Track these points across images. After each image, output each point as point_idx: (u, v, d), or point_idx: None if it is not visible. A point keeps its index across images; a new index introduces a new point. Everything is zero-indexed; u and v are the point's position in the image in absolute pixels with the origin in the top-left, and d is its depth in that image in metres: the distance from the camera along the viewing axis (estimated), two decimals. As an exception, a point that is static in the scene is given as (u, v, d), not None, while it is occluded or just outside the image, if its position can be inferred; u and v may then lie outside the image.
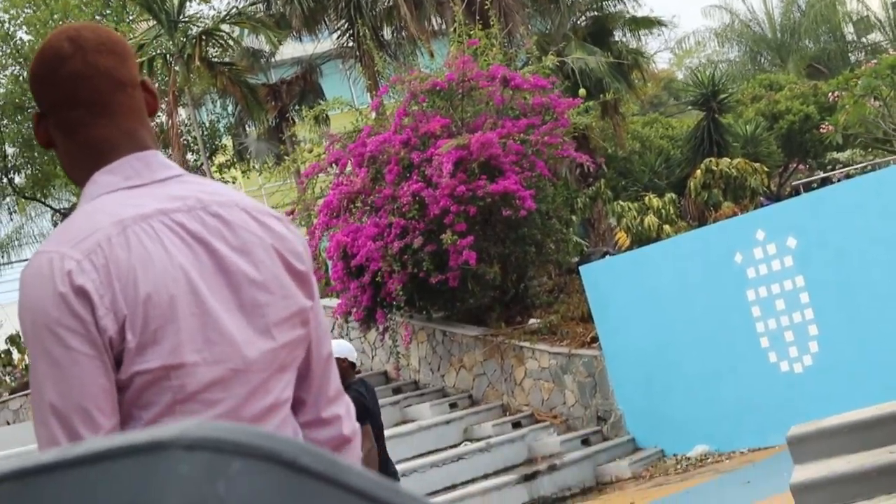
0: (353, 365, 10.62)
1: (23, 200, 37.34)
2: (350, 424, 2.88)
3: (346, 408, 2.87)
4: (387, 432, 18.21)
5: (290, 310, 2.68)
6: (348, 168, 20.27)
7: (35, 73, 2.72)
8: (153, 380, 2.50)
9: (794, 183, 34.99)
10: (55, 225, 40.07)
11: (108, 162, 2.65)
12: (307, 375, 2.79)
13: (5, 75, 35.00)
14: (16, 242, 40.49)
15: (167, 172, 2.68)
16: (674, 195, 26.32)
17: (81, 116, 2.66)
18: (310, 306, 2.73)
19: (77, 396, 2.45)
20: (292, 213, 21.73)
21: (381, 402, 19.62)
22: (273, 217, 2.74)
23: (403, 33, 29.36)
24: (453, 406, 19.36)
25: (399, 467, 16.73)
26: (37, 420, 2.50)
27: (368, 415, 10.22)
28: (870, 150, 35.50)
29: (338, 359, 10.49)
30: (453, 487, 16.43)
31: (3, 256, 39.25)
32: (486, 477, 16.80)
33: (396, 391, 20.56)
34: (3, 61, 34.92)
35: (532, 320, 19.44)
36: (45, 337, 2.46)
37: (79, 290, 2.46)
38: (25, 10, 34.74)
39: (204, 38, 30.04)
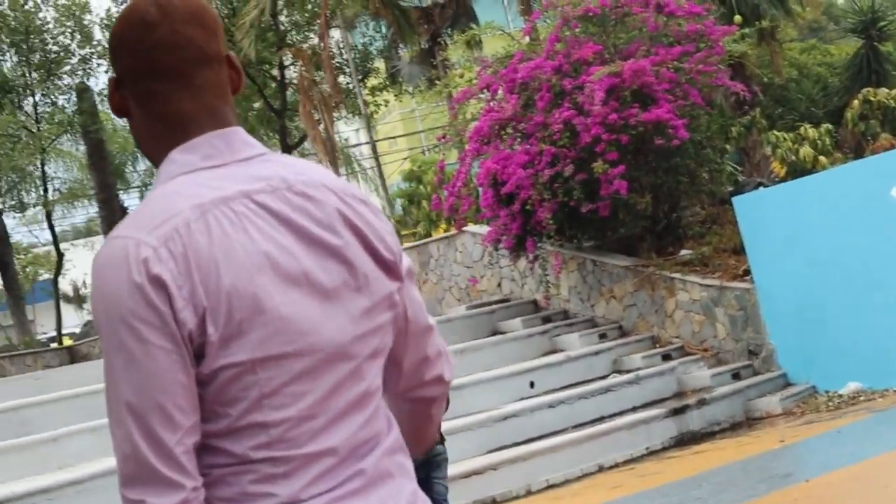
0: None
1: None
2: (449, 368, 2.85)
3: (443, 357, 2.83)
4: (535, 362, 18.29)
5: (379, 294, 2.56)
6: (499, 94, 20.12)
7: (117, 37, 2.58)
8: (238, 374, 2.38)
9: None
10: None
11: (187, 139, 2.52)
12: (404, 352, 2.71)
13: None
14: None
15: (249, 151, 2.56)
16: (830, 126, 25.76)
17: (163, 89, 2.53)
18: (397, 288, 2.61)
19: (154, 393, 2.33)
20: (443, 137, 21.71)
21: (529, 331, 19.67)
22: (360, 201, 2.61)
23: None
24: (602, 337, 19.23)
25: (547, 398, 16.75)
26: (112, 418, 2.38)
27: None
28: None
29: None
30: (601, 420, 16.35)
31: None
32: (633, 410, 16.68)
33: (546, 320, 20.48)
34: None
35: (683, 251, 19.19)
36: (119, 330, 2.34)
37: (155, 280, 2.34)
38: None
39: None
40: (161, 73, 2.52)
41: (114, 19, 35.46)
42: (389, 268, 2.60)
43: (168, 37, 2.51)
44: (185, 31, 2.52)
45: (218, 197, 2.43)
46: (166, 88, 2.52)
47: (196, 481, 2.36)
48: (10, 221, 37.98)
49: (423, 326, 2.75)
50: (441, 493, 10.11)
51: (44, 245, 48.48)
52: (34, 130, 35.88)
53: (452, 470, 14.51)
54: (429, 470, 10.06)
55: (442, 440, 10.12)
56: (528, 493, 14.52)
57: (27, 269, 47.96)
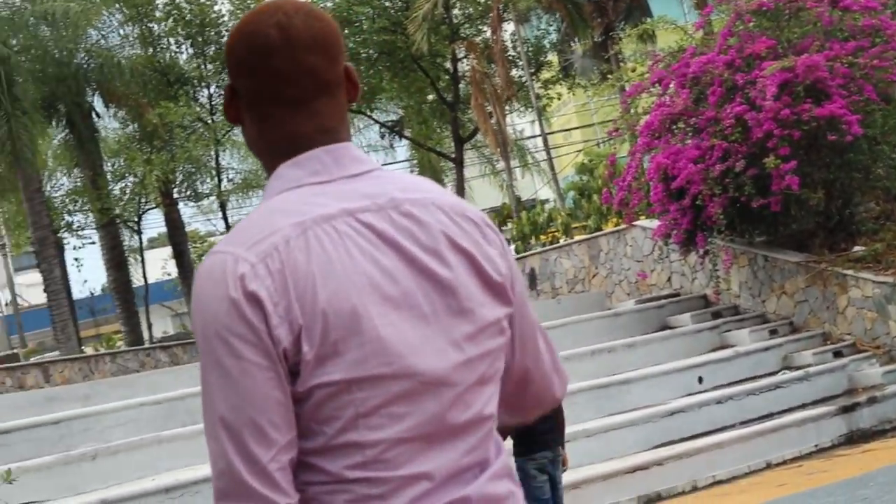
0: None
1: (349, 113, 38.17)
2: (561, 384, 2.79)
3: (555, 376, 2.76)
4: (704, 357, 18.24)
5: (485, 320, 2.49)
6: (671, 88, 20.06)
7: (236, 56, 2.54)
8: (334, 393, 2.35)
9: None
10: (382, 137, 41.10)
11: (297, 154, 2.49)
12: (525, 374, 2.67)
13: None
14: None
15: (358, 167, 2.51)
16: None
17: (279, 114, 2.51)
18: (505, 314, 2.54)
19: (249, 410, 2.31)
20: (615, 131, 21.70)
21: (698, 326, 19.61)
22: (471, 220, 2.53)
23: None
24: (773, 333, 19.07)
25: (715, 394, 16.69)
26: (207, 433, 2.36)
27: None
28: None
29: None
30: (769, 416, 16.24)
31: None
32: (803, 407, 16.53)
33: (716, 315, 20.38)
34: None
35: (856, 248, 18.95)
36: (215, 345, 2.32)
37: (251, 297, 2.31)
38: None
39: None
40: (279, 100, 2.50)
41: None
42: (498, 292, 2.53)
43: (288, 66, 2.48)
44: (306, 59, 2.48)
45: (320, 215, 2.40)
46: (282, 114, 2.51)
47: (291, 498, 2.34)
48: (187, 210, 38.74)
49: (540, 345, 2.70)
50: (560, 493, 10.31)
51: (221, 234, 49.42)
52: (209, 122, 36.51)
53: (618, 465, 14.65)
54: (554, 469, 10.29)
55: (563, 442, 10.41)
56: (694, 489, 14.48)
57: (203, 258, 48.82)
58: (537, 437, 10.22)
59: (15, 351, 39.08)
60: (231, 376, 2.30)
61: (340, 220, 2.40)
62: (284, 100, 2.49)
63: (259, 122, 2.53)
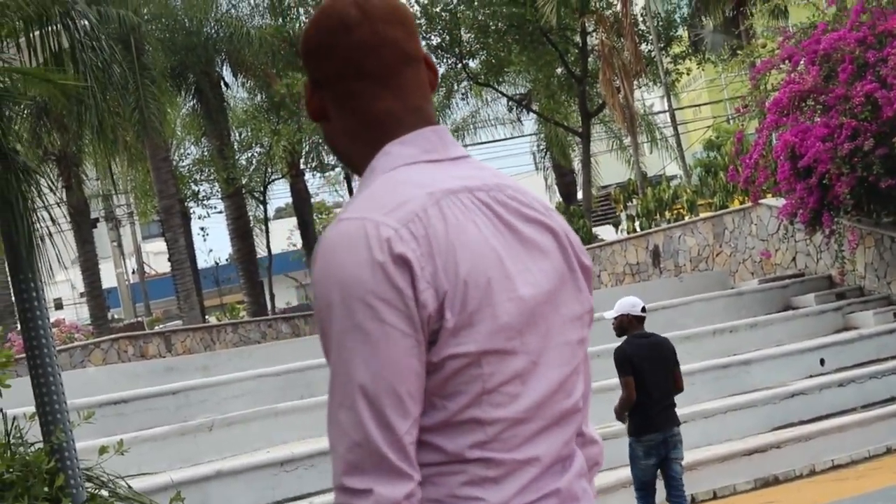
0: (638, 318, 10.60)
1: (477, 86, 38.15)
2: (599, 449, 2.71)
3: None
4: (827, 339, 17.94)
5: (584, 306, 2.54)
6: (801, 65, 19.73)
7: (315, 41, 2.55)
8: (464, 366, 2.32)
9: None
10: (510, 110, 40.96)
11: (392, 137, 2.48)
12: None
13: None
14: (471, 127, 41.68)
15: (458, 151, 2.53)
16: None
17: (366, 88, 2.50)
18: (590, 308, 2.58)
19: (390, 377, 2.26)
20: (744, 108, 21.43)
21: (822, 307, 19.28)
22: (556, 212, 2.57)
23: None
24: (898, 316, 18.77)
25: (837, 376, 16.41)
26: (337, 403, 2.29)
27: (633, 369, 10.29)
28: None
29: (620, 316, 10.53)
30: (892, 400, 15.97)
31: (459, 140, 40.39)
32: (927, 391, 16.25)
33: (840, 297, 20.08)
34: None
35: None
36: (357, 309, 2.26)
37: (399, 259, 2.28)
38: None
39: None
40: (364, 73, 2.49)
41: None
42: (588, 276, 2.58)
43: (370, 37, 2.48)
44: (386, 31, 2.49)
45: (446, 188, 2.40)
46: (370, 88, 2.49)
47: (419, 475, 2.30)
48: (314, 181, 38.93)
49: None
50: (677, 472, 10.37)
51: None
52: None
53: (735, 447, 14.48)
54: (667, 450, 10.21)
55: (678, 423, 10.34)
56: (812, 472, 14.30)
57: (327, 227, 49.06)
58: (650, 418, 10.25)
59: (140, 319, 39.67)
60: (374, 342, 2.26)
61: (464, 196, 2.41)
62: (369, 73, 2.48)
63: (345, 105, 2.52)
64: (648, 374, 10.34)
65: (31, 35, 9.04)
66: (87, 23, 9.23)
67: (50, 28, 9.06)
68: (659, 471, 10.50)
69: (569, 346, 2.48)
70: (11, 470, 9.06)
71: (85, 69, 8.98)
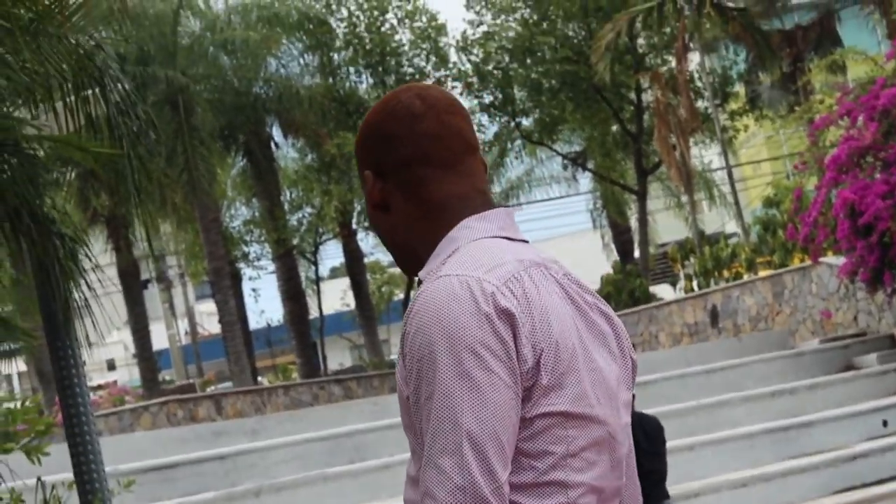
0: None
1: (530, 144, 38.00)
2: None
3: None
4: (890, 399, 17.52)
5: (630, 392, 2.64)
6: (859, 121, 19.42)
7: (381, 131, 2.64)
8: (552, 426, 2.42)
9: None
10: (565, 168, 40.73)
11: (459, 219, 2.58)
12: None
13: (515, 18, 35.54)
14: (525, 185, 41.45)
15: (522, 235, 2.64)
16: None
17: (434, 175, 2.61)
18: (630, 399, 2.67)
19: (495, 426, 2.34)
20: (802, 164, 21.17)
21: (885, 367, 18.87)
22: (604, 302, 2.68)
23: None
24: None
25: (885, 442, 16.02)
26: (441, 447, 2.34)
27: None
28: None
29: None
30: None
31: (513, 199, 40.19)
32: None
33: (903, 356, 19.70)
34: (513, 4, 35.43)
35: None
36: (464, 358, 2.35)
37: (504, 313, 2.39)
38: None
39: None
40: (432, 160, 2.60)
41: (469, 42, 36.28)
42: (635, 369, 2.69)
43: (437, 126, 2.61)
44: (449, 120, 2.62)
45: (531, 259, 2.53)
46: (436, 174, 2.61)
47: None
48: (368, 240, 38.81)
49: None
50: None
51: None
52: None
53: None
54: None
55: (667, 496, 10.44)
56: (876, 536, 13.94)
57: (382, 289, 48.97)
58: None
59: (191, 381, 39.59)
60: (481, 389, 2.34)
61: (545, 269, 2.54)
62: (437, 160, 2.60)
63: (411, 192, 2.61)
64: (653, 467, 10.28)
65: (67, 100, 8.91)
66: (122, 87, 9.07)
67: (86, 93, 8.93)
68: None
69: (626, 428, 2.60)
70: (49, 540, 8.92)
71: (120, 135, 8.82)
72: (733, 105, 36.86)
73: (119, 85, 9.03)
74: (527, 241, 2.62)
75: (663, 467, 10.61)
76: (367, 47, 35.15)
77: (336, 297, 48.12)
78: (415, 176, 2.60)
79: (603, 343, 2.57)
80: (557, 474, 2.41)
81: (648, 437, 10.42)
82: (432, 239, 2.58)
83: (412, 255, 2.64)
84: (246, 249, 39.33)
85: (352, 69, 35.90)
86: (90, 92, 9.02)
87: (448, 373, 2.35)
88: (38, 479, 9.43)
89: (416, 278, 2.62)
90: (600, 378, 2.51)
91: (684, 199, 37.05)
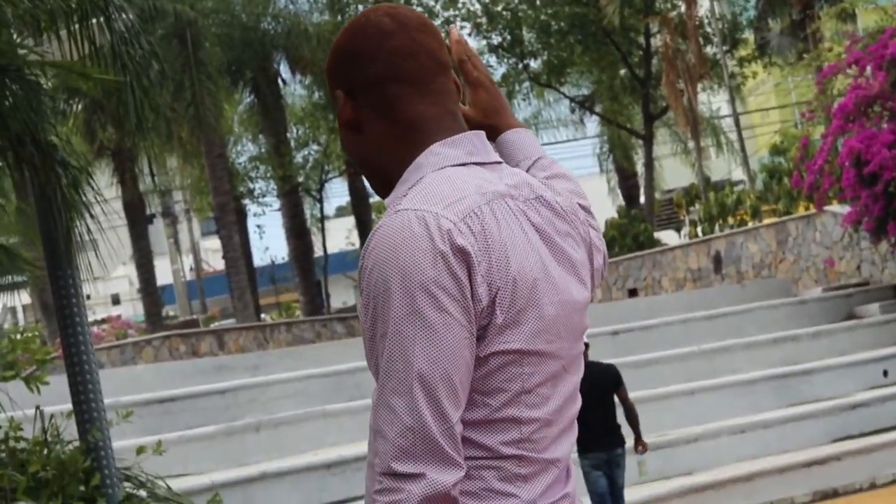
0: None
1: (538, 86, 37.87)
2: None
3: None
4: (891, 349, 17.52)
5: (586, 309, 2.62)
6: (867, 71, 19.33)
7: (351, 49, 2.60)
8: (507, 363, 2.39)
9: None
10: (572, 112, 40.67)
11: (432, 140, 2.53)
12: None
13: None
14: (533, 128, 41.36)
15: (495, 156, 2.60)
16: None
17: (405, 93, 2.56)
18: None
19: (447, 366, 2.31)
20: (810, 112, 21.08)
21: (887, 317, 18.91)
22: (582, 209, 2.70)
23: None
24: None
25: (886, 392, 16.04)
26: (392, 388, 2.32)
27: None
28: None
29: None
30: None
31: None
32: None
33: (904, 306, 19.71)
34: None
35: None
36: (418, 297, 2.31)
37: (459, 251, 2.34)
38: None
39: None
40: (403, 77, 2.56)
41: None
42: (595, 278, 2.68)
43: (407, 44, 2.56)
44: (420, 38, 2.58)
45: (495, 190, 2.47)
46: (407, 92, 2.55)
47: (464, 468, 2.35)
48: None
49: None
50: (619, 489, 10.90)
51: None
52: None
53: (794, 458, 14.22)
54: (610, 469, 10.83)
55: (622, 443, 10.92)
56: (872, 486, 14.06)
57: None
58: (591, 438, 10.37)
59: (195, 317, 39.68)
60: (434, 329, 2.31)
61: (510, 200, 2.49)
62: (408, 78, 2.56)
63: (382, 112, 2.57)
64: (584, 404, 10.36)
65: (71, 28, 8.85)
66: (127, 17, 9.01)
67: (90, 22, 8.87)
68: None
69: (580, 354, 2.58)
70: (47, 468, 8.98)
71: (123, 64, 8.76)
72: (742, 51, 36.70)
73: (123, 14, 8.98)
74: (500, 163, 2.58)
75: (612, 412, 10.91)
76: (375, -16, 35.00)
77: (341, 236, 48.13)
78: (386, 94, 2.56)
79: (571, 271, 2.54)
80: (511, 411, 2.40)
81: (600, 387, 10.69)
82: (402, 160, 2.54)
83: (383, 176, 2.60)
84: (251, 185, 39.33)
85: (360, 7, 35.69)
86: (94, 21, 8.96)
87: (401, 312, 2.32)
88: (37, 408, 9.46)
89: None
90: (563, 311, 2.48)
91: (691, 145, 37.01)
